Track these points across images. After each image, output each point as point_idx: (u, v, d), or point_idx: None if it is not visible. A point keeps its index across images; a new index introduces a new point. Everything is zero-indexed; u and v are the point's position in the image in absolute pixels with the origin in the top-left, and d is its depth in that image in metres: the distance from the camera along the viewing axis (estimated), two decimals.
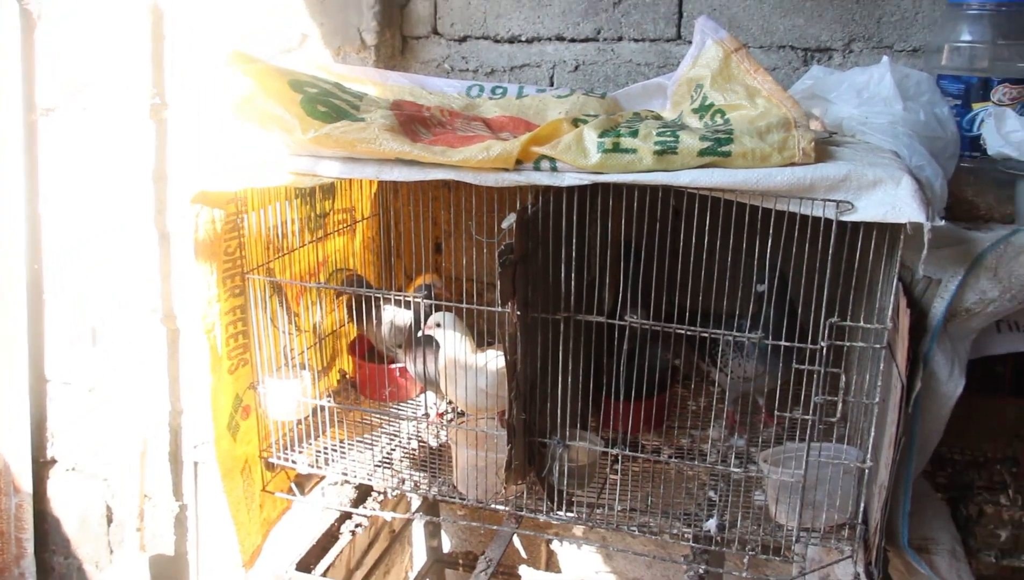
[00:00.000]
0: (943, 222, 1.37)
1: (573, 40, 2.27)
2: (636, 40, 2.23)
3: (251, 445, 1.93)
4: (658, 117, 1.81)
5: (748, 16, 2.15)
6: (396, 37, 2.38)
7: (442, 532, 2.64)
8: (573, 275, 1.59)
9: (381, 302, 2.03)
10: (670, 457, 1.83)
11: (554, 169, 1.54)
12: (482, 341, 1.90)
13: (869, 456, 1.52)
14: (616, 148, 1.50)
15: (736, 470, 1.65)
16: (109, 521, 2.72)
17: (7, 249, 2.84)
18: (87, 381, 2.83)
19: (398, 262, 2.34)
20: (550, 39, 2.28)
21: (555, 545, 2.68)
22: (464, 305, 1.71)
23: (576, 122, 1.61)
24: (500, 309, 1.56)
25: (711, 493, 1.76)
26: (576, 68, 2.27)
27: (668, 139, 1.49)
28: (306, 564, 1.90)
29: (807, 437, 1.53)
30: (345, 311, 2.16)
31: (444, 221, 2.34)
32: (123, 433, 2.73)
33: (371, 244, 2.32)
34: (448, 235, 2.39)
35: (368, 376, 2.14)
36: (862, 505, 1.55)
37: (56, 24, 2.83)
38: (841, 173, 1.43)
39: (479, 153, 1.54)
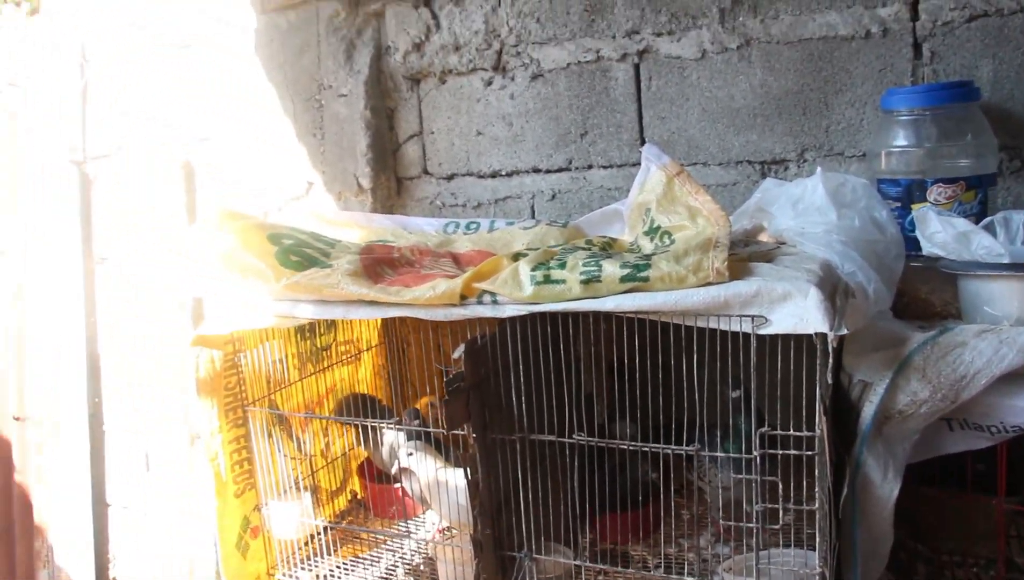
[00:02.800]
0: (846, 331, 1.35)
1: (548, 171, 2.33)
2: (604, 167, 2.27)
3: (261, 563, 1.98)
4: (610, 244, 1.84)
5: (705, 136, 2.18)
6: (391, 179, 2.47)
7: None
8: (523, 398, 1.61)
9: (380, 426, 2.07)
10: (644, 567, 1.80)
11: (495, 302, 1.58)
12: None
13: (818, 562, 1.48)
14: (547, 280, 1.53)
15: (691, 578, 1.62)
16: None
17: (70, 386, 3.00)
18: (142, 505, 2.92)
19: (409, 387, 2.39)
20: (527, 172, 2.35)
21: None
22: (432, 429, 1.74)
23: (517, 257, 1.65)
24: (458, 432, 1.58)
25: None
26: (553, 197, 2.32)
27: (592, 269, 1.52)
28: None
29: (754, 545, 1.50)
30: (354, 435, 2.21)
31: (447, 346, 2.38)
32: (174, 554, 2.78)
33: (382, 371, 2.37)
34: (448, 359, 2.42)
35: (375, 496, 2.17)
36: None
37: (107, 184, 3.03)
38: (752, 289, 1.43)
39: (426, 292, 1.60)
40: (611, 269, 1.50)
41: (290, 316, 1.77)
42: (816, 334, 1.37)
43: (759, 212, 1.90)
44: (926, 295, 1.89)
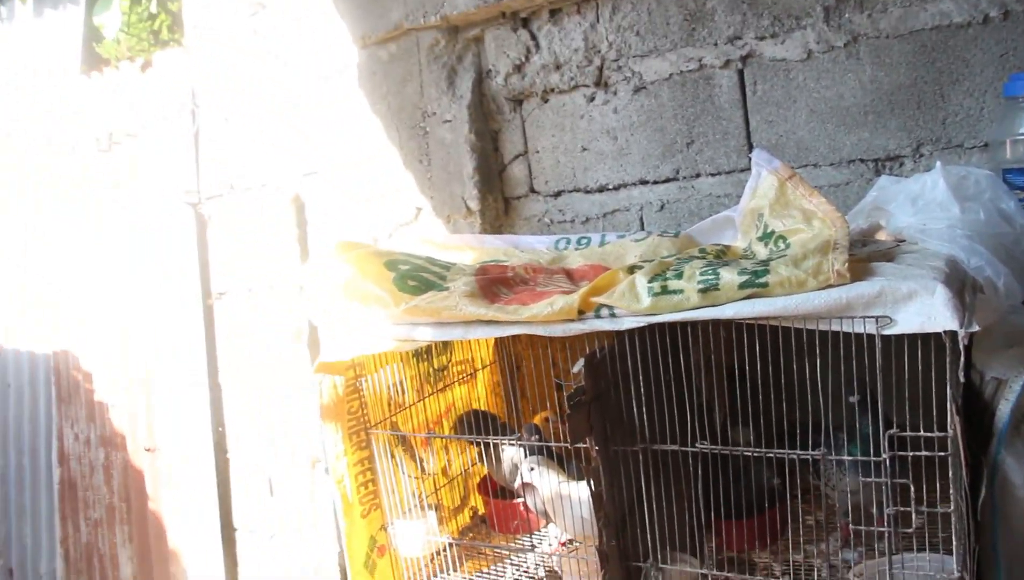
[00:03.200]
0: (977, 328, 1.31)
1: (655, 182, 2.33)
2: (712, 175, 2.26)
3: None
4: (723, 251, 1.83)
5: (814, 137, 2.15)
6: (499, 200, 2.51)
7: None
8: (643, 409, 1.61)
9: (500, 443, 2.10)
10: (771, 575, 1.78)
11: (613, 316, 1.59)
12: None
13: (956, 567, 1.44)
14: (664, 291, 1.54)
15: None
16: None
17: (195, 417, 3.13)
18: (268, 528, 3.02)
19: (524, 402, 2.41)
20: (635, 184, 2.35)
21: None
22: (553, 443, 1.76)
23: (632, 269, 1.66)
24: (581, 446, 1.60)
25: None
26: (662, 207, 2.32)
27: (710, 277, 1.51)
28: None
29: (887, 549, 1.47)
30: (475, 453, 2.25)
31: (563, 361, 2.40)
32: (299, 575, 2.86)
33: (497, 388, 2.41)
34: (566, 373, 2.44)
35: (496, 512, 2.20)
36: None
37: (221, 222, 3.15)
38: (875, 290, 1.41)
39: (544, 309, 1.62)
40: (729, 277, 1.50)
41: (410, 339, 1.81)
42: (945, 332, 1.34)
43: (876, 211, 1.87)
44: None
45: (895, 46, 2.05)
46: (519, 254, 2.09)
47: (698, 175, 2.28)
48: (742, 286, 1.48)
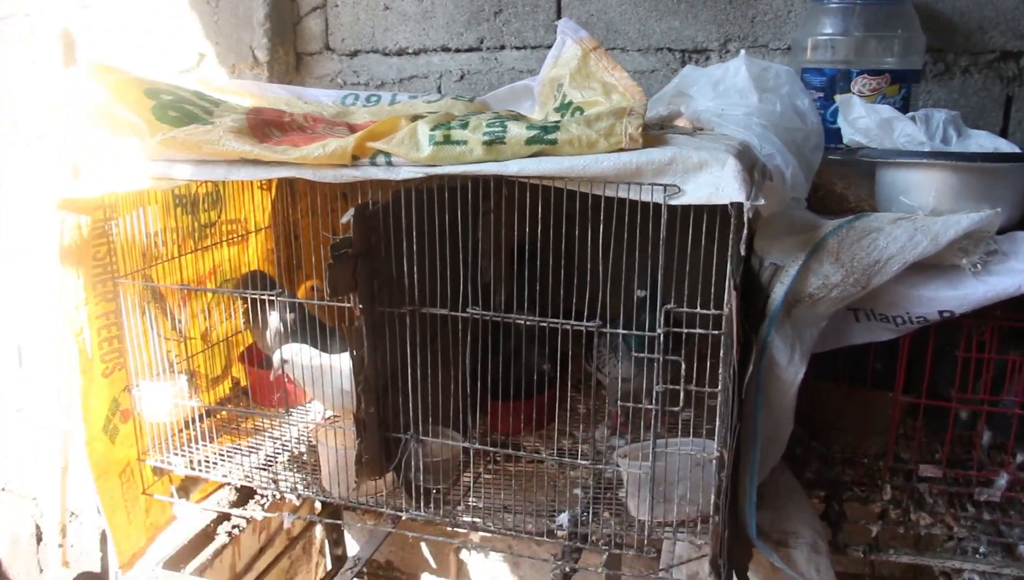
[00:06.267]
0: (763, 201, 1.26)
1: (458, 50, 2.18)
2: (518, 48, 2.13)
3: (132, 448, 1.83)
4: (518, 117, 1.71)
5: (625, 20, 2.06)
6: (290, 54, 2.29)
7: (347, 539, 2.51)
8: (416, 271, 1.48)
9: (267, 306, 1.92)
10: (536, 454, 1.71)
11: (389, 164, 1.44)
12: None
13: (715, 447, 1.40)
14: (447, 140, 1.41)
15: (584, 462, 1.53)
16: (39, 540, 2.60)
17: None
18: (15, 401, 2.72)
19: (300, 273, 2.24)
20: (436, 50, 2.19)
21: (464, 554, 2.55)
22: (315, 302, 1.61)
23: (415, 118, 1.51)
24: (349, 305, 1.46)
25: (576, 490, 1.63)
26: (462, 77, 2.18)
27: (496, 129, 1.39)
28: (175, 563, 1.78)
29: (652, 428, 1.42)
30: (241, 317, 2.06)
31: (342, 230, 2.24)
32: (47, 451, 2.62)
33: (271, 255, 2.21)
34: None
35: (258, 382, 2.03)
36: (712, 499, 1.43)
37: None
38: (666, 156, 1.33)
39: (315, 150, 1.45)
40: (517, 130, 1.38)
41: (166, 177, 1.60)
42: (731, 204, 1.28)
43: (678, 96, 1.80)
44: (842, 190, 1.82)
45: None
46: (302, 105, 1.90)
47: (503, 47, 2.14)
48: (530, 141, 1.37)
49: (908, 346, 1.58)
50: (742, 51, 1.72)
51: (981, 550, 1.59)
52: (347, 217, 1.45)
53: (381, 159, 1.44)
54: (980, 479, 1.64)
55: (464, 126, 1.42)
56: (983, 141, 1.68)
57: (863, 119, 1.61)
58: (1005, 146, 1.67)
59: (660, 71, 2.06)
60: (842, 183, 1.83)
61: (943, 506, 1.64)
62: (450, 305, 1.51)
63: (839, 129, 1.77)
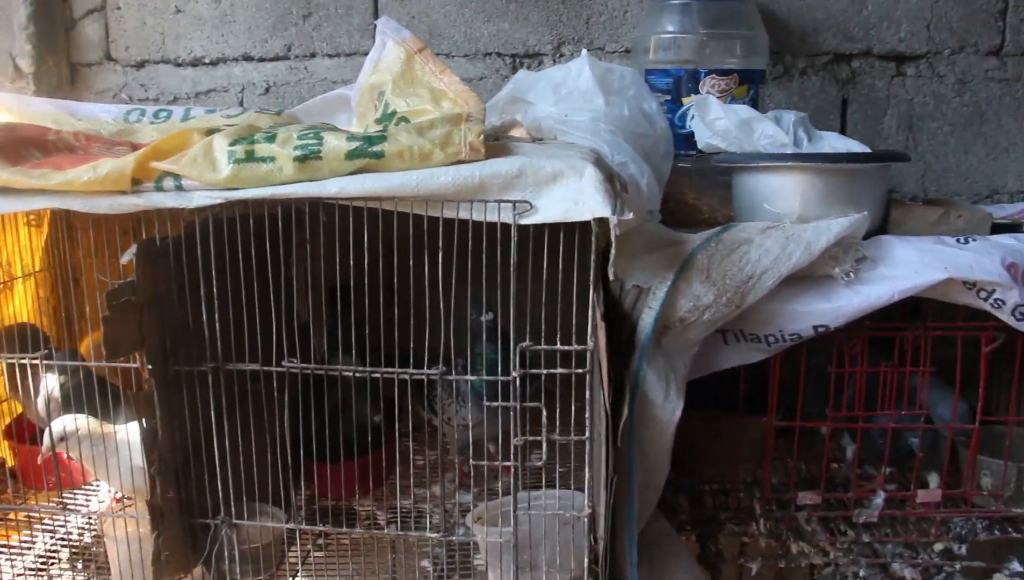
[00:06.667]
0: (631, 215, 1.08)
1: (262, 59, 1.92)
2: (331, 55, 1.90)
3: None
4: (337, 129, 1.48)
5: (450, 23, 1.87)
6: (62, 64, 1.96)
7: None
8: (219, 319, 1.22)
9: (40, 370, 1.58)
10: (370, 525, 1.47)
11: (180, 188, 1.18)
12: None
13: (585, 502, 1.21)
14: (250, 157, 1.16)
15: (433, 535, 1.31)
16: None
17: None
18: None
19: (84, 322, 1.90)
20: (237, 59, 1.93)
21: None
22: (94, 363, 1.32)
23: (211, 132, 1.25)
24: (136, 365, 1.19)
25: (425, 562, 1.40)
26: (267, 90, 1.92)
27: (310, 142, 1.16)
28: None
29: (512, 487, 1.21)
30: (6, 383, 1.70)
31: (123, 273, 1.92)
32: None
33: (45, 304, 1.87)
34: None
35: (29, 462, 1.67)
36: (586, 560, 1.23)
37: None
38: (514, 168, 1.14)
39: (85, 174, 1.17)
40: (336, 143, 1.16)
41: None
42: (595, 220, 1.09)
43: (513, 103, 1.61)
44: (693, 201, 1.69)
45: None
46: (74, 122, 1.59)
47: (314, 54, 1.90)
48: (351, 155, 1.15)
49: (779, 366, 1.45)
50: (584, 51, 1.56)
51: (861, 574, 1.49)
52: (128, 256, 1.17)
53: (169, 182, 1.18)
54: (857, 500, 1.53)
55: (271, 140, 1.17)
56: (835, 143, 1.59)
57: (721, 120, 1.47)
58: (856, 147, 1.58)
59: (489, 78, 1.88)
60: (693, 193, 1.70)
61: (821, 532, 1.52)
62: (261, 358, 1.26)
63: (689, 134, 1.64)
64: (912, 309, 1.48)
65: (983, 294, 1.35)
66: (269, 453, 1.36)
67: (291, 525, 1.34)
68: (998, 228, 1.50)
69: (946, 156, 1.95)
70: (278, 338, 1.26)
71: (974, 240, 1.39)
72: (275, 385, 1.28)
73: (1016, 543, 1.49)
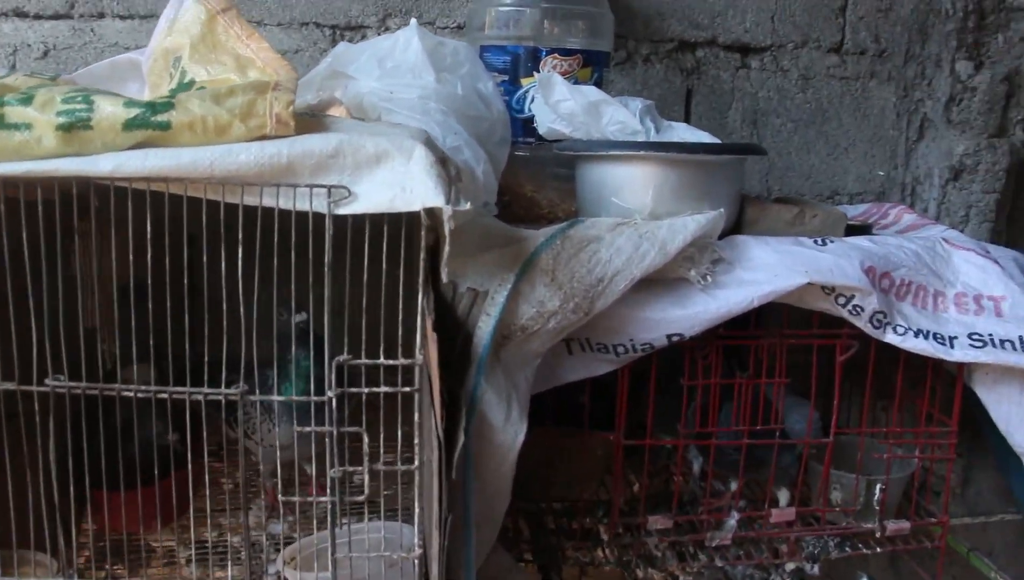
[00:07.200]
0: (469, 205, 0.92)
1: (39, 16, 1.63)
2: (123, 17, 1.64)
3: None
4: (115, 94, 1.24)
5: None
6: None
7: None
8: None
9: None
10: (169, 563, 1.25)
11: None
12: None
13: (415, 539, 1.04)
14: (0, 123, 0.92)
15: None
16: None
17: None
18: None
19: None
20: (7, 15, 1.63)
21: None
22: None
23: None
24: None
25: None
26: (45, 54, 1.64)
27: (78, 107, 0.94)
28: None
29: (329, 526, 1.02)
30: None
31: None
32: None
33: None
34: None
35: None
36: None
37: None
38: (330, 146, 0.95)
39: None
40: (110, 109, 0.94)
41: None
42: (425, 211, 0.92)
43: (332, 78, 1.42)
44: (531, 193, 1.54)
45: None
46: None
47: (102, 15, 1.63)
48: (130, 125, 0.94)
49: (627, 378, 1.33)
50: (413, 20, 1.38)
51: None
52: None
53: None
54: (710, 523, 1.43)
55: (27, 102, 0.94)
56: (684, 134, 1.47)
57: (567, 102, 1.33)
58: (708, 138, 1.47)
59: (307, 51, 1.68)
60: (532, 185, 1.55)
61: (671, 557, 1.41)
62: (19, 375, 1.01)
63: (527, 119, 1.50)
64: (761, 316, 1.38)
65: (841, 300, 1.27)
66: (33, 489, 1.11)
67: (64, 577, 1.10)
68: (851, 229, 1.43)
69: (789, 154, 1.90)
70: (39, 349, 1.02)
71: (831, 242, 1.31)
72: (38, 406, 1.04)
73: (866, 559, 1.43)
